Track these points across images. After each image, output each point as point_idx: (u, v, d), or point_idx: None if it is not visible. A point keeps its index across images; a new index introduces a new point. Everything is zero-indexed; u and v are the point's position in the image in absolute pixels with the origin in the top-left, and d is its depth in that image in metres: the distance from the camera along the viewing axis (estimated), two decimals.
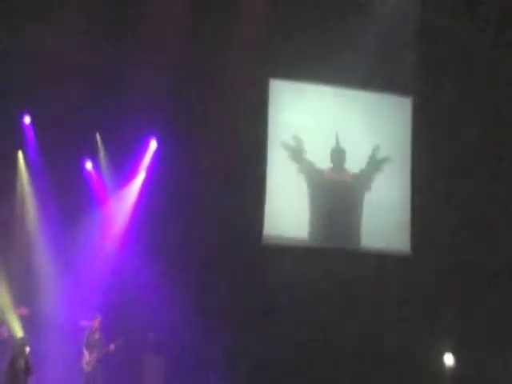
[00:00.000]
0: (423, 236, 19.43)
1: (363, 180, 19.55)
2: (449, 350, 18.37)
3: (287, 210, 19.05)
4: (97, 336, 16.84)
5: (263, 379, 17.84)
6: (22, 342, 15.31)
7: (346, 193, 19.42)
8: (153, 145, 19.02)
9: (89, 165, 18.78)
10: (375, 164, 19.64)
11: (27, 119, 18.15)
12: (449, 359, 18.33)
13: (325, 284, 18.47)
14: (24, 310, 17.12)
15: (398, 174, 19.76)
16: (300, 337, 18.23)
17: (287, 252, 18.77)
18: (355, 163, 19.55)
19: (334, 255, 18.99)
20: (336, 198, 19.37)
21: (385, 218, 19.34)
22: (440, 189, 19.32)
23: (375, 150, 19.68)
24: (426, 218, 19.48)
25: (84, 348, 16.72)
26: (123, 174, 18.89)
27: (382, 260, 19.06)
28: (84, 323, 17.22)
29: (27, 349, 15.15)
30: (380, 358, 18.41)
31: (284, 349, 18.13)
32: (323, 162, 19.46)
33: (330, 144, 19.57)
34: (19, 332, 16.52)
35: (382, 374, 18.16)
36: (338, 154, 19.51)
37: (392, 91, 19.91)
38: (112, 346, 16.60)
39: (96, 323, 16.92)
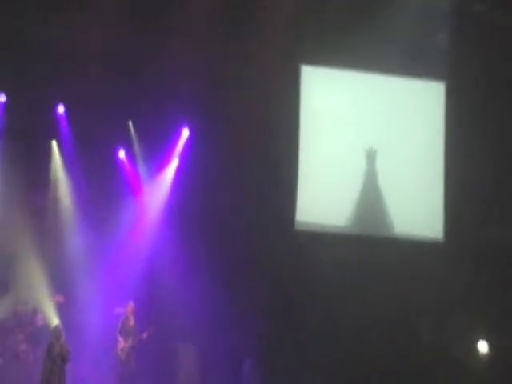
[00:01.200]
0: (456, 223, 19.26)
1: (395, 166, 19.43)
2: (483, 338, 18.29)
3: (319, 197, 18.98)
4: (131, 323, 16.96)
5: (297, 366, 17.84)
6: (58, 330, 15.47)
7: (378, 179, 19.32)
8: (185, 133, 19.08)
9: (122, 153, 18.91)
10: (407, 149, 19.50)
11: (61, 109, 18.30)
12: (483, 346, 18.27)
13: (357, 271, 18.39)
14: (59, 298, 17.27)
15: (430, 159, 19.60)
16: (333, 323, 18.19)
17: (319, 238, 18.72)
18: (388, 149, 19.42)
19: (365, 242, 18.91)
20: (369, 184, 19.27)
21: (417, 204, 19.20)
22: (473, 174, 19.11)
23: (408, 135, 19.53)
24: (458, 204, 19.29)
25: (118, 335, 16.87)
26: (156, 162, 19.00)
27: (414, 247, 18.93)
28: (119, 310, 17.36)
29: (63, 336, 15.32)
30: (413, 345, 18.35)
31: (318, 335, 18.14)
32: (355, 147, 19.37)
33: (362, 130, 19.47)
34: (55, 319, 16.70)
35: (414, 361, 18.10)
36: (371, 141, 19.42)
37: (425, 76, 19.69)
38: (145, 335, 16.72)
39: (130, 310, 17.03)
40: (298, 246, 18.68)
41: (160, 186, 19.10)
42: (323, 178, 19.11)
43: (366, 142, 19.37)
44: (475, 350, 18.41)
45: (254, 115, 18.35)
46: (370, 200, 19.23)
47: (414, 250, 18.89)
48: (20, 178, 17.34)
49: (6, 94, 17.80)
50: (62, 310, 17.04)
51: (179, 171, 19.10)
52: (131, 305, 17.02)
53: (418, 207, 19.22)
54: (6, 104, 17.83)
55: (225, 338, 17.94)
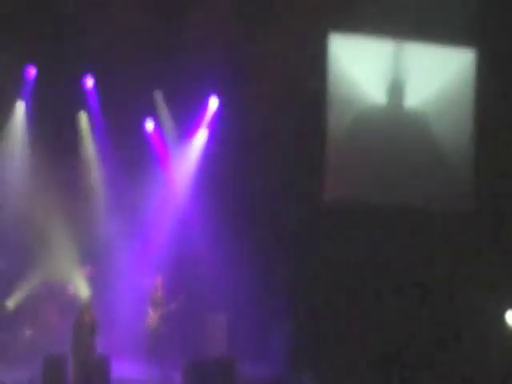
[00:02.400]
0: (487, 192, 19.05)
1: (426, 133, 19.27)
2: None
3: (348, 168, 18.84)
4: (160, 294, 17.08)
5: (323, 339, 17.89)
6: (87, 300, 15.71)
7: (408, 146, 19.18)
8: (213, 102, 19.09)
9: (150, 124, 18.98)
10: (437, 117, 19.31)
11: (89, 80, 18.36)
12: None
13: (386, 242, 18.33)
14: (89, 269, 17.50)
15: (460, 126, 19.36)
16: (362, 297, 18.17)
17: (348, 210, 18.63)
18: (417, 116, 19.26)
19: (395, 213, 18.78)
20: (399, 153, 19.12)
21: (447, 172, 19.06)
22: (504, 143, 18.87)
23: (437, 102, 19.35)
24: (490, 171, 19.08)
25: (148, 306, 17.05)
26: (184, 132, 19.09)
27: (445, 217, 18.80)
28: (147, 281, 17.51)
29: (92, 307, 15.54)
30: (443, 314, 18.29)
31: (346, 308, 18.13)
32: (384, 116, 19.20)
33: (392, 97, 19.27)
34: (85, 290, 16.96)
35: (442, 330, 18.08)
36: (399, 107, 19.24)
37: (454, 42, 19.35)
38: (173, 305, 16.87)
39: (159, 281, 17.17)
40: (326, 217, 18.64)
41: (188, 156, 19.20)
42: (352, 148, 19.00)
43: (396, 110, 19.19)
44: (503, 320, 18.30)
45: (283, 84, 18.23)
46: (401, 170, 19.04)
47: (444, 220, 18.77)
48: (49, 150, 17.54)
49: (36, 67, 17.92)
50: (91, 281, 17.34)
51: (207, 141, 19.18)
52: (160, 276, 17.16)
53: (449, 176, 19.07)
54: (35, 77, 17.97)
55: (253, 309, 18.08)
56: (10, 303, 17.06)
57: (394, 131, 19.12)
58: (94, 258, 17.84)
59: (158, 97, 18.93)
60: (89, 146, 18.66)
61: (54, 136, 17.72)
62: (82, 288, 17.12)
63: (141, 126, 18.90)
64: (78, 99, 18.34)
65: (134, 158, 18.37)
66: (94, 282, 17.26)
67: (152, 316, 16.88)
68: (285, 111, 18.45)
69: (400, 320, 18.22)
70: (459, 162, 19.28)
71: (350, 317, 17.99)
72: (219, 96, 19.03)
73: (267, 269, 18.23)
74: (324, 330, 17.91)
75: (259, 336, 18.05)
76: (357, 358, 17.53)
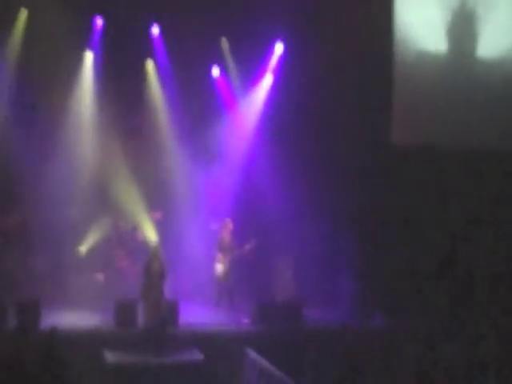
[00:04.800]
0: None
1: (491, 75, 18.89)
2: None
3: (416, 112, 18.61)
4: (228, 239, 17.33)
5: (394, 278, 17.85)
6: (156, 246, 15.99)
7: (475, 90, 18.83)
8: (279, 48, 19.02)
9: (216, 70, 19.05)
10: (504, 61, 18.87)
11: (155, 29, 18.43)
12: None
13: (455, 184, 18.12)
14: (157, 215, 17.76)
15: None
16: (433, 235, 18.02)
17: (418, 153, 18.41)
18: (483, 60, 18.85)
19: (462, 155, 18.52)
20: (465, 97, 18.77)
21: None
22: None
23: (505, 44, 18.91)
24: None
25: (217, 251, 17.30)
26: (250, 78, 19.10)
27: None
28: (215, 226, 17.75)
29: (161, 253, 15.83)
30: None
31: (417, 247, 17.96)
32: (453, 61, 18.84)
33: (461, 42, 18.87)
34: (153, 236, 17.26)
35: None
36: (468, 53, 18.86)
37: None
38: (247, 247, 17.08)
39: (227, 226, 17.39)
40: (394, 161, 18.48)
41: (254, 102, 19.24)
42: (419, 92, 18.67)
43: (464, 56, 18.78)
44: None
45: (348, 30, 18.01)
46: (468, 114, 18.69)
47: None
48: (116, 98, 17.77)
49: (103, 18, 18.06)
50: (160, 226, 17.62)
51: (273, 86, 19.17)
52: (229, 222, 17.37)
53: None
54: (102, 27, 18.12)
55: (320, 252, 18.19)
56: (82, 249, 17.48)
57: (463, 77, 18.77)
58: (162, 203, 18.08)
59: (224, 43, 18.92)
60: (156, 94, 18.81)
61: (121, 85, 17.88)
62: (150, 233, 17.40)
63: (207, 73, 18.95)
64: (145, 48, 18.44)
65: (200, 105, 18.51)
66: (163, 227, 17.50)
67: (220, 260, 17.15)
68: (350, 56, 18.27)
69: (472, 261, 18.06)
70: None
71: (420, 257, 17.85)
72: (284, 41, 18.96)
73: (334, 211, 18.25)
74: (393, 270, 17.81)
75: (327, 278, 18.13)
76: (428, 299, 17.48)
